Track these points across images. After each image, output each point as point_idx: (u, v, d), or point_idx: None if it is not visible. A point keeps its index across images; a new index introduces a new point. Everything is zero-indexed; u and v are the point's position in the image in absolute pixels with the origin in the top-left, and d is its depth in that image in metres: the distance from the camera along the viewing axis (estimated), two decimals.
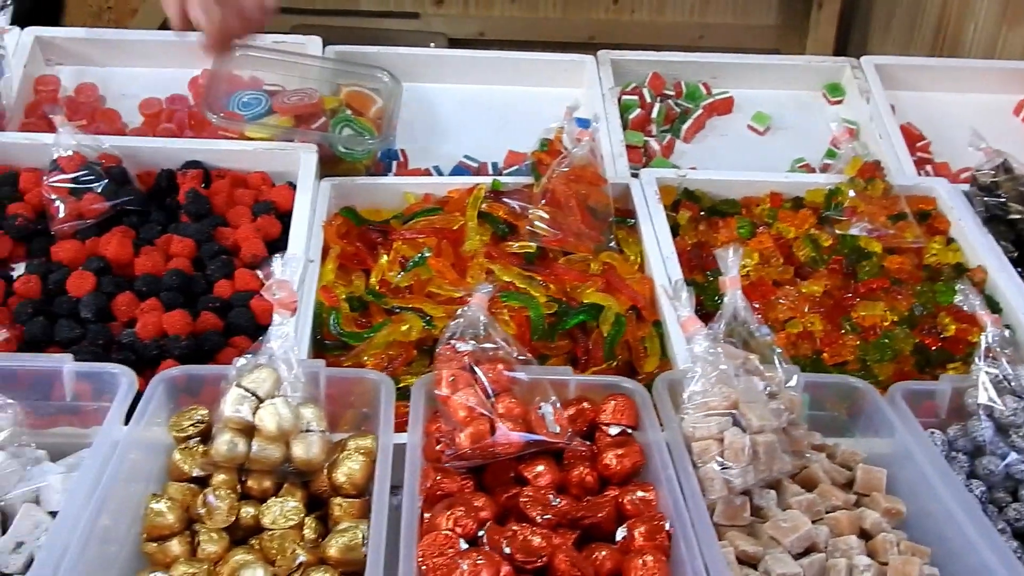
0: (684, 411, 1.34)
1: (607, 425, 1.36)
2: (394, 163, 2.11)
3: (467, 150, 2.17)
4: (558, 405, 1.36)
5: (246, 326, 1.63)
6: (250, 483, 1.32)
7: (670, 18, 3.89)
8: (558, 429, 1.32)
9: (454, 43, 3.73)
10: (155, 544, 1.23)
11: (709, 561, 1.14)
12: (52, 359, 1.39)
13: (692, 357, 1.36)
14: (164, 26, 3.64)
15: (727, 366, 1.33)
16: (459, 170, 2.11)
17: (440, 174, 2.10)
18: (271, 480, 1.33)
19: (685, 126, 2.29)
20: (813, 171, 2.17)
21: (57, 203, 1.76)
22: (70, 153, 1.81)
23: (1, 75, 1.90)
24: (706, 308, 1.71)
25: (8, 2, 1.91)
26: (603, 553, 1.19)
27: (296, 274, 1.36)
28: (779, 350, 1.43)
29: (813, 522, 1.28)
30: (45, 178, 1.78)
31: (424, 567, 1.12)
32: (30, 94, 2.10)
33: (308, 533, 1.29)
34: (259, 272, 1.41)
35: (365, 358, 1.62)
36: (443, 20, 3.82)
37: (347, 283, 1.76)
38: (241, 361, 1.35)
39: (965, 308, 1.59)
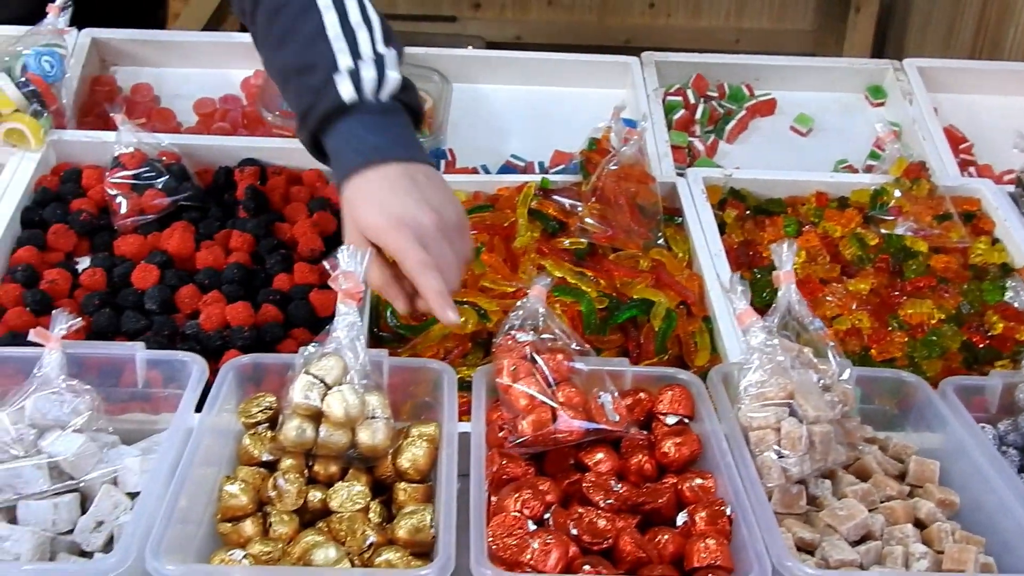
0: (740, 401, 1.36)
1: (664, 415, 1.39)
2: (442, 162, 2.14)
3: (513, 150, 2.21)
4: (616, 394, 1.39)
5: (305, 318, 1.67)
6: (316, 468, 1.36)
7: (706, 22, 3.93)
8: (617, 418, 1.35)
9: (491, 47, 3.78)
10: (229, 524, 1.27)
11: (771, 545, 1.16)
12: (126, 347, 1.43)
13: (748, 348, 1.38)
14: (207, 27, 3.72)
15: (784, 357, 1.35)
16: (506, 169, 2.15)
17: (487, 173, 2.13)
18: (337, 465, 1.36)
19: (728, 127, 2.31)
20: (856, 172, 2.20)
21: (119, 199, 1.81)
22: (131, 150, 1.86)
23: (63, 75, 1.93)
24: (754, 305, 1.73)
25: (69, 3, 1.96)
26: (665, 536, 1.21)
27: (362, 265, 1.39)
28: (832, 344, 1.45)
29: (868, 511, 1.30)
30: (107, 175, 1.83)
31: (494, 546, 1.15)
32: (87, 94, 2.15)
33: (373, 517, 1.32)
34: (327, 264, 1.44)
35: (421, 350, 1.65)
36: (480, 24, 3.87)
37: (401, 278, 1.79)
38: (309, 350, 1.38)
39: (1016, 305, 1.61)
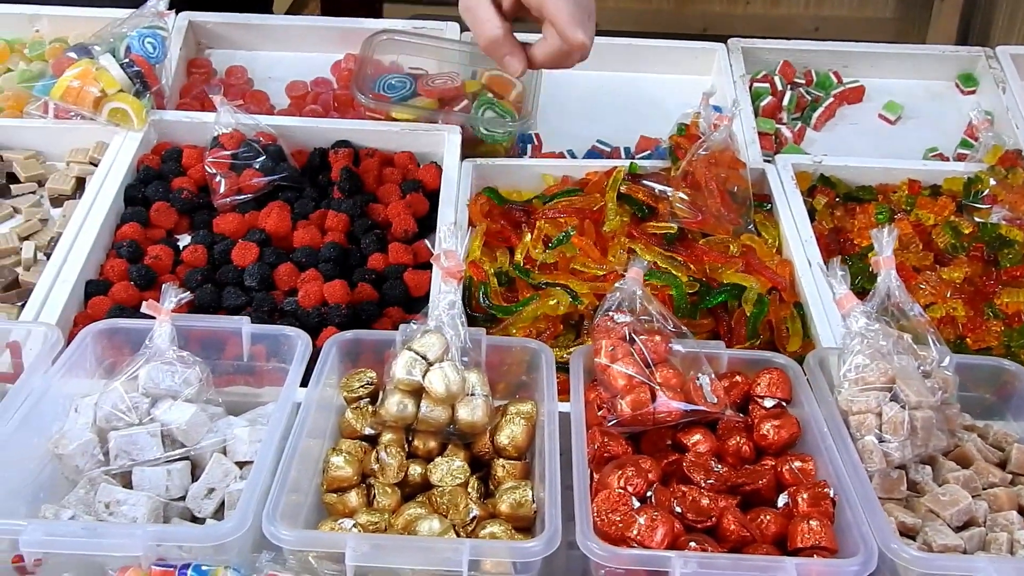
0: (840, 386, 1.36)
1: (762, 398, 1.39)
2: (529, 146, 2.16)
3: (599, 135, 2.22)
4: (713, 376, 1.39)
5: (399, 297, 1.70)
6: (416, 443, 1.38)
7: (785, 11, 3.89)
8: (715, 400, 1.36)
9: None
10: (335, 495, 1.30)
11: (875, 527, 1.16)
12: (233, 320, 1.47)
13: (849, 333, 1.38)
14: (292, 11, 3.77)
15: (886, 342, 1.35)
16: (592, 154, 2.15)
17: (574, 157, 2.14)
18: (436, 441, 1.39)
19: (816, 114, 2.29)
20: (947, 160, 2.16)
21: (218, 178, 1.85)
22: (230, 131, 1.90)
23: (164, 57, 1.98)
24: None
25: None
26: (768, 517, 1.22)
27: (463, 244, 1.42)
28: (933, 330, 1.44)
29: (971, 498, 1.29)
30: (207, 155, 1.88)
31: (599, 521, 1.16)
32: (184, 76, 2.21)
33: (471, 492, 1.34)
34: (427, 243, 1.47)
35: (513, 331, 1.67)
36: None
37: (492, 259, 1.81)
38: (411, 327, 1.41)
39: None
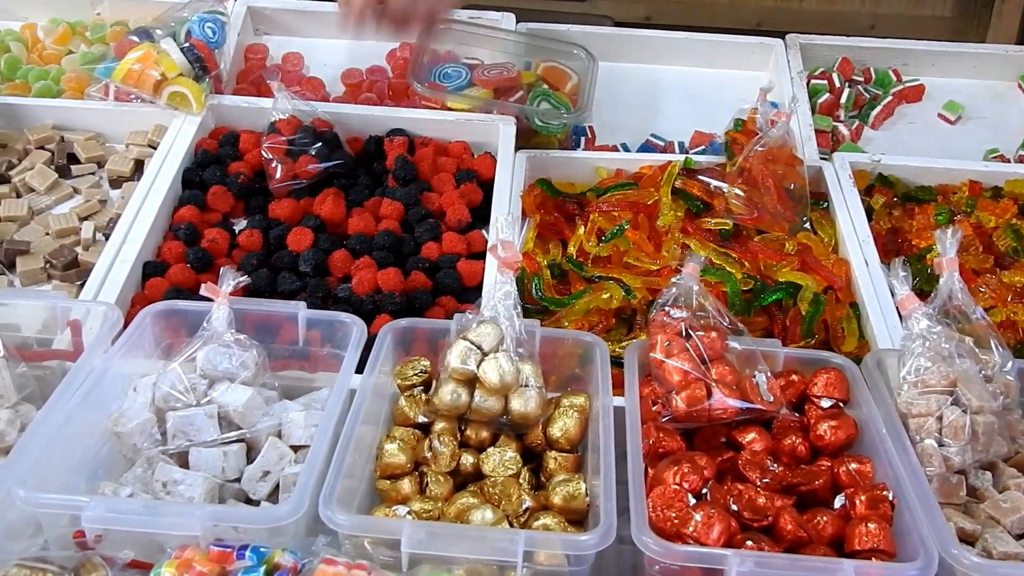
0: (899, 388, 1.34)
1: (819, 398, 1.38)
2: (582, 139, 2.14)
3: (652, 128, 2.20)
4: (770, 375, 1.38)
5: (453, 287, 1.70)
6: (468, 432, 1.38)
7: (841, 7, 3.83)
8: (771, 399, 1.34)
9: (619, 27, 3.75)
10: (388, 482, 1.30)
11: (935, 532, 1.14)
12: (289, 305, 1.47)
13: (910, 335, 1.36)
14: None
15: (948, 345, 1.33)
16: (646, 148, 2.14)
17: (628, 151, 2.13)
18: (488, 431, 1.39)
19: (874, 112, 2.26)
20: (1008, 162, 2.12)
21: (275, 164, 1.87)
22: (287, 117, 1.91)
23: (223, 42, 2.00)
24: None
25: None
26: (824, 518, 1.21)
27: (520, 235, 1.41)
28: (995, 333, 1.41)
29: None
30: (264, 140, 1.89)
31: (654, 516, 1.16)
32: (241, 61, 2.22)
33: (523, 483, 1.34)
34: (484, 233, 1.46)
35: (565, 323, 1.67)
36: (610, 4, 3.84)
37: (545, 251, 1.81)
38: (467, 316, 1.41)
39: None
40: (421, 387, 1.43)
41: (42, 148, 1.93)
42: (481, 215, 1.84)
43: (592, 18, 3.70)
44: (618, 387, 1.40)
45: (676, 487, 1.18)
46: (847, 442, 1.32)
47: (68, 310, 1.49)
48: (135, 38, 1.93)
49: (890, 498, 1.20)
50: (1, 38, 2.15)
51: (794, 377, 1.42)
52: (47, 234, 1.79)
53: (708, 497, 1.20)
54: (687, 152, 2.10)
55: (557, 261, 1.78)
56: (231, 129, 1.98)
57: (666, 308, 1.42)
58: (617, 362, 1.49)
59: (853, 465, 1.27)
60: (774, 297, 1.69)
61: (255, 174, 1.89)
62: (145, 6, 2.23)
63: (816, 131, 2.13)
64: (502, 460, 1.34)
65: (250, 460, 1.34)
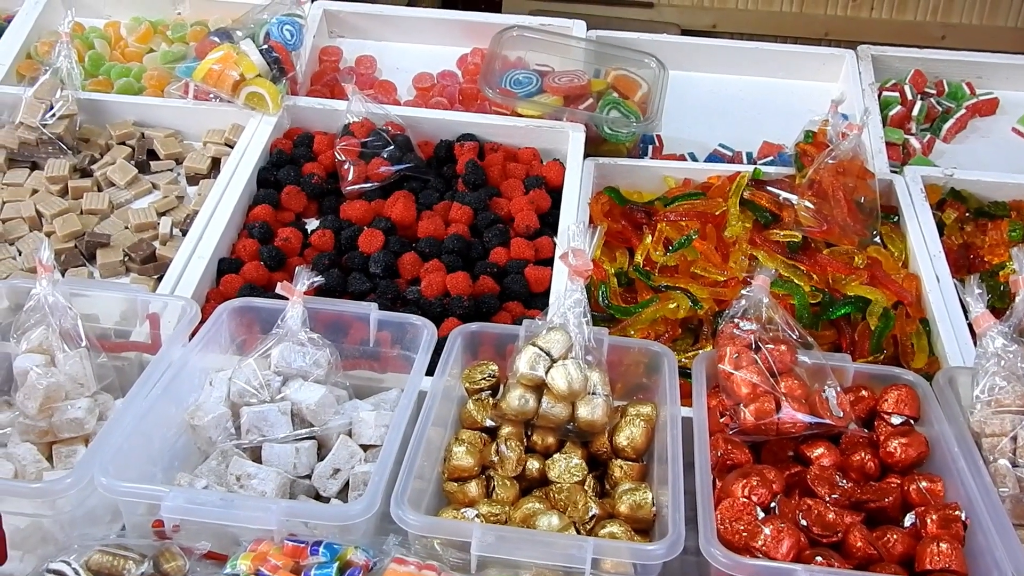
0: (972, 406, 1.33)
1: (889, 414, 1.37)
2: (650, 147, 2.15)
3: (719, 138, 2.20)
4: (839, 389, 1.37)
5: (520, 292, 1.72)
6: (535, 438, 1.40)
7: (910, 17, 3.77)
8: (841, 414, 1.34)
9: (685, 34, 3.74)
10: (455, 484, 1.32)
11: (1010, 554, 1.13)
12: (361, 306, 1.50)
13: (984, 353, 1.34)
14: (413, 2, 3.82)
15: None
16: (714, 158, 2.14)
17: (695, 160, 2.13)
18: (554, 437, 1.40)
19: (946, 125, 2.24)
20: None
21: (347, 165, 1.90)
22: (360, 120, 1.95)
23: (300, 44, 2.04)
24: None
25: None
26: (895, 536, 1.20)
27: (592, 243, 1.42)
28: None
29: None
30: (338, 141, 1.92)
31: (722, 529, 1.16)
32: (315, 63, 2.26)
33: (588, 490, 1.35)
34: (555, 240, 1.47)
35: (631, 331, 1.67)
36: (676, 11, 3.83)
37: (611, 259, 1.81)
38: (536, 323, 1.42)
39: None
40: (489, 391, 1.44)
41: (123, 144, 1.98)
42: (549, 221, 1.86)
43: (658, 25, 3.70)
44: (683, 397, 1.40)
45: (745, 500, 1.19)
46: (918, 460, 1.31)
47: (147, 303, 1.53)
48: (216, 39, 1.97)
49: (963, 518, 1.19)
50: (86, 35, 2.22)
51: (863, 392, 1.41)
52: (126, 228, 1.83)
53: (777, 511, 1.20)
54: (755, 163, 2.10)
55: (624, 269, 1.78)
56: (306, 130, 2.01)
57: (735, 320, 1.42)
58: (683, 372, 1.50)
59: (924, 483, 1.26)
60: (843, 311, 1.68)
61: (328, 175, 1.93)
62: (224, 6, 2.28)
63: (887, 144, 2.11)
64: (568, 466, 1.35)
65: (321, 457, 1.37)
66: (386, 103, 2.08)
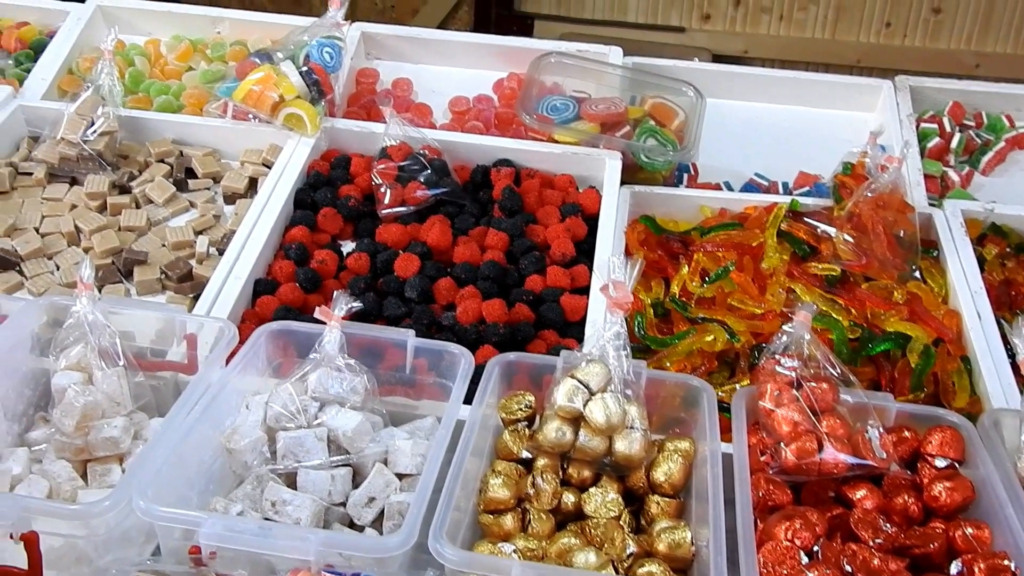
0: (1019, 450, 1.31)
1: (933, 456, 1.35)
2: (685, 175, 2.14)
3: (755, 167, 2.18)
4: (882, 430, 1.35)
5: (555, 320, 1.71)
6: (570, 471, 1.38)
7: (944, 45, 3.77)
8: (884, 455, 1.32)
9: (717, 59, 3.75)
10: (491, 516, 1.31)
11: None
12: (398, 332, 1.49)
13: None
14: (443, 25, 3.85)
15: None
16: (749, 187, 2.13)
17: (731, 190, 2.12)
18: (591, 471, 1.38)
19: (985, 158, 2.22)
20: None
21: (384, 188, 1.90)
22: (397, 143, 1.95)
23: (340, 67, 2.04)
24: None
25: (347, 0, 2.07)
26: None
27: (633, 276, 1.41)
28: None
29: None
30: (375, 164, 1.92)
31: (764, 572, 1.15)
32: (352, 84, 2.26)
33: (624, 526, 1.34)
34: (595, 272, 1.47)
35: (667, 363, 1.66)
36: (707, 36, 3.84)
37: (647, 289, 1.80)
38: (575, 354, 1.41)
39: None
40: (525, 422, 1.43)
41: (162, 161, 1.99)
42: (584, 249, 1.85)
43: (689, 50, 3.71)
44: (721, 432, 1.38)
45: (788, 543, 1.17)
46: (963, 505, 1.29)
47: (185, 323, 1.53)
48: (256, 60, 1.98)
49: (1012, 568, 1.17)
50: (126, 52, 2.23)
51: (906, 433, 1.39)
52: (163, 245, 1.84)
53: (820, 555, 1.19)
54: (791, 193, 2.08)
55: (660, 299, 1.77)
56: (343, 152, 2.02)
57: (776, 356, 1.41)
58: (720, 406, 1.48)
59: (970, 530, 1.24)
60: (883, 347, 1.66)
61: (364, 197, 1.92)
62: (263, 26, 2.30)
63: (925, 176, 2.10)
64: (604, 501, 1.34)
65: (356, 485, 1.36)
66: (422, 126, 2.08)
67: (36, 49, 2.23)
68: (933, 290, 1.81)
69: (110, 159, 1.95)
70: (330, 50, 2.01)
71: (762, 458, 1.33)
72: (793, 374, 1.38)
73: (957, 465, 1.35)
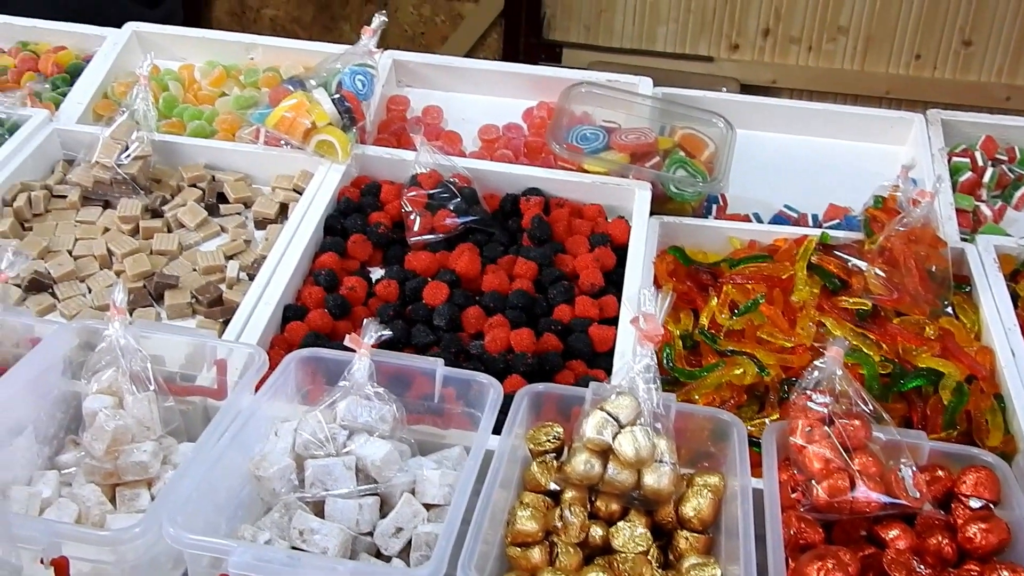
0: None
1: (967, 497, 1.33)
2: (714, 206, 2.14)
3: (784, 198, 2.18)
4: (915, 469, 1.34)
5: (584, 351, 1.70)
6: (598, 503, 1.38)
7: (974, 77, 3.75)
8: (917, 494, 1.30)
9: (745, 89, 3.75)
10: (519, 549, 1.30)
11: None
12: (428, 361, 1.49)
13: None
14: (472, 51, 3.88)
15: None
16: (779, 219, 2.12)
17: (760, 221, 2.11)
18: (619, 504, 1.37)
19: (1018, 193, 2.20)
20: None
21: (414, 216, 1.90)
22: (428, 171, 1.95)
23: (372, 94, 2.06)
24: None
25: (383, 24, 2.08)
26: None
27: (664, 309, 1.41)
28: None
29: None
30: (405, 192, 1.93)
31: None
32: (383, 111, 2.28)
33: (652, 561, 1.33)
34: (625, 302, 1.46)
35: (695, 396, 1.65)
36: (736, 65, 3.84)
37: (675, 320, 1.80)
38: (604, 386, 1.41)
39: None
40: (553, 453, 1.43)
41: (194, 186, 2.00)
42: (613, 279, 1.84)
43: (718, 80, 3.72)
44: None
45: None
46: (999, 547, 1.27)
47: (215, 348, 1.54)
48: (289, 87, 2.00)
49: None
50: (161, 77, 2.26)
51: (940, 473, 1.37)
52: (194, 270, 1.85)
53: None
54: (821, 225, 2.07)
55: (689, 331, 1.77)
56: (373, 179, 2.03)
57: (807, 392, 1.40)
58: (750, 441, 1.47)
59: (1006, 573, 1.23)
60: (915, 383, 1.65)
61: (394, 224, 1.93)
62: (295, 53, 2.32)
63: (957, 210, 2.08)
64: (632, 535, 1.33)
65: (383, 514, 1.36)
66: (452, 154, 2.09)
67: (73, 73, 2.27)
68: (966, 326, 1.79)
69: (143, 183, 1.97)
70: (362, 78, 2.03)
71: (793, 495, 1.32)
72: (825, 410, 1.37)
73: (992, 506, 1.33)
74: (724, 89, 3.61)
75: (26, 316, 1.67)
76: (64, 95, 2.19)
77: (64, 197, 1.97)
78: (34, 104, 2.14)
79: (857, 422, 1.36)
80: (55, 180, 2.00)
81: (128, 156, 1.95)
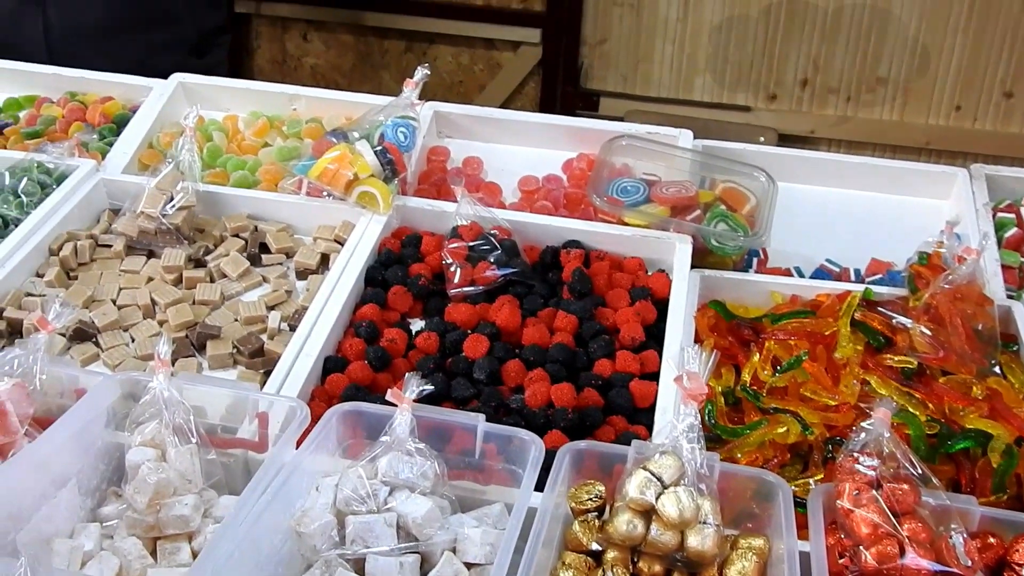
0: None
1: (1020, 566, 1.30)
2: (755, 260, 2.13)
3: (826, 253, 2.16)
4: (966, 535, 1.31)
5: (625, 407, 1.69)
6: (640, 564, 1.36)
7: (1016, 129, 3.73)
8: (969, 563, 1.28)
9: (783, 139, 3.75)
10: None
11: None
12: (469, 416, 1.49)
13: None
14: (510, 100, 3.92)
15: None
16: (821, 273, 2.10)
17: (801, 276, 2.10)
18: (661, 565, 1.36)
19: None
20: None
21: (454, 267, 1.91)
22: (468, 223, 1.96)
23: (413, 146, 2.07)
24: None
25: (425, 77, 2.11)
26: None
27: (708, 368, 1.40)
28: None
29: None
30: (445, 243, 1.94)
31: None
32: (423, 162, 2.30)
33: None
34: (670, 359, 1.45)
35: (738, 454, 1.63)
36: (774, 115, 3.84)
37: (717, 376, 1.78)
38: (648, 445, 1.39)
39: None
40: (595, 512, 1.41)
41: (237, 236, 2.02)
42: (654, 333, 1.84)
43: (756, 129, 3.72)
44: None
45: None
46: None
47: (256, 401, 1.55)
48: (333, 139, 2.02)
49: None
50: (205, 128, 2.29)
51: (991, 540, 1.35)
52: (236, 320, 1.86)
53: None
54: (863, 280, 2.06)
55: (731, 387, 1.75)
56: (414, 230, 2.04)
57: (854, 454, 1.38)
58: (795, 501, 1.45)
59: None
60: (962, 445, 1.62)
61: (434, 276, 1.94)
62: (337, 104, 2.35)
63: (1003, 267, 2.06)
64: None
65: (423, 572, 1.34)
66: (492, 204, 2.10)
67: (119, 123, 2.31)
68: (1014, 386, 1.76)
69: (187, 233, 1.99)
70: (404, 130, 2.05)
71: (840, 560, 1.30)
72: (873, 473, 1.35)
73: None
74: (762, 139, 3.62)
75: (71, 367, 1.69)
76: (111, 145, 2.23)
77: (109, 247, 2.00)
78: (81, 154, 2.18)
79: (906, 486, 1.34)
80: (100, 229, 2.03)
81: (173, 206, 1.98)
